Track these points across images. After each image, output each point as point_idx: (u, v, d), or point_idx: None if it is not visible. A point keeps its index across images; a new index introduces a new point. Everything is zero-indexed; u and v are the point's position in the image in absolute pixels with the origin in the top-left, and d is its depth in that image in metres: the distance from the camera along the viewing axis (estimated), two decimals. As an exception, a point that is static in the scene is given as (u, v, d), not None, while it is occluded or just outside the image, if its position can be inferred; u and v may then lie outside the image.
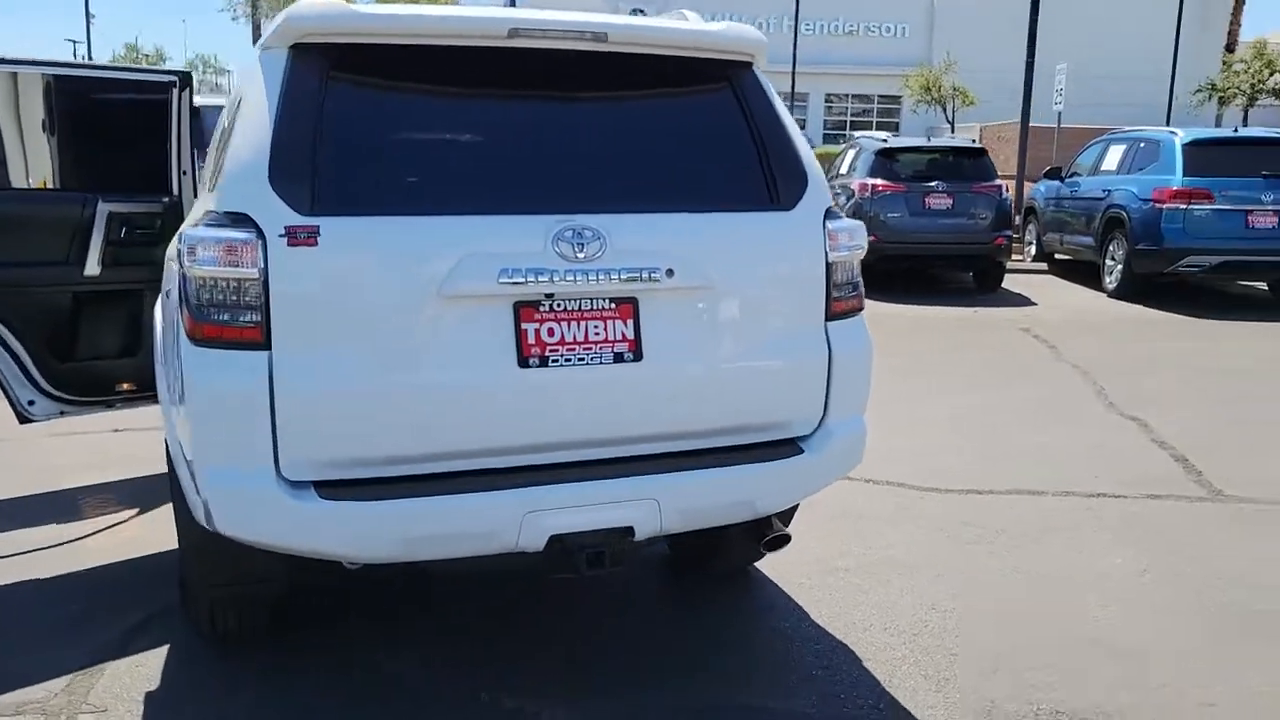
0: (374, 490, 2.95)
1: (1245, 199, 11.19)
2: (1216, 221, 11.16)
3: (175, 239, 3.15)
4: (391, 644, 3.74)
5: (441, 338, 2.99)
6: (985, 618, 3.98)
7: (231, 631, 3.63)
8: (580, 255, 3.02)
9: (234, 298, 2.88)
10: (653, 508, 3.11)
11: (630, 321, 3.12)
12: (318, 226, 2.88)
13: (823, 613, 3.99)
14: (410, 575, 4.07)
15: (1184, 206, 11.17)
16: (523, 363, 3.03)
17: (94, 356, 4.57)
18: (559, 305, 3.06)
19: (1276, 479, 5.62)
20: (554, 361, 3.05)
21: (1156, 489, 5.46)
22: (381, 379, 2.95)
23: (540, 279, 2.99)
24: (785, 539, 3.47)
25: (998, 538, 4.77)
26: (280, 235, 2.87)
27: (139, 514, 5.01)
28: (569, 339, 3.07)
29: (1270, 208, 11.17)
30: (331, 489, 2.94)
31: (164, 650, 3.72)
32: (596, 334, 3.09)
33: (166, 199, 4.66)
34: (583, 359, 3.07)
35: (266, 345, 2.89)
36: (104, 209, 4.44)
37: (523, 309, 3.04)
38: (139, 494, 5.23)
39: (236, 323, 2.88)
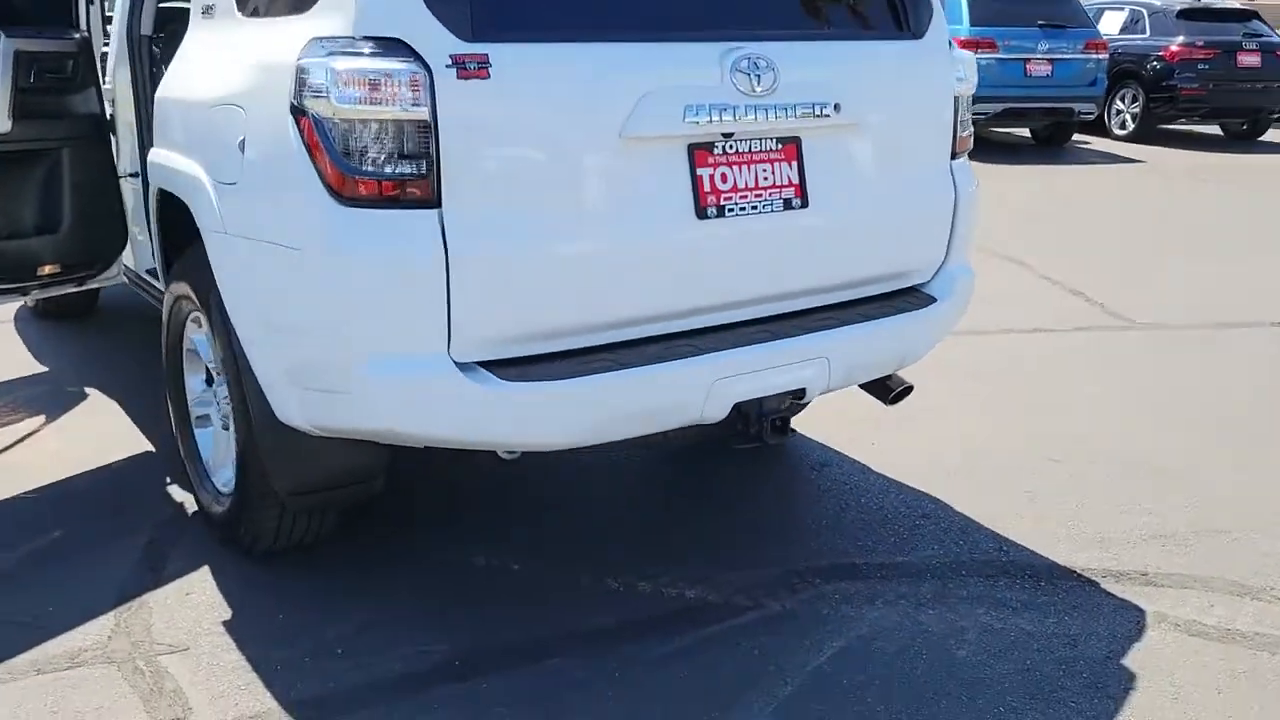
0: (555, 368, 2.56)
1: (1024, 48, 11.81)
2: (1000, 70, 11.70)
3: (247, 71, 2.59)
4: (477, 541, 3.36)
5: (619, 189, 2.60)
6: (1031, 445, 4.05)
7: (295, 544, 3.14)
8: (757, 89, 2.69)
9: (395, 144, 2.37)
10: (823, 366, 2.89)
11: (795, 164, 2.84)
12: (487, 55, 2.40)
13: (883, 464, 3.92)
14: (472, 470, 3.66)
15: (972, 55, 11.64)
16: (700, 213, 2.69)
17: (8, 235, 3.73)
18: (732, 147, 2.72)
19: (1168, 305, 6.05)
20: (730, 211, 2.73)
21: (1081, 322, 5.74)
22: (558, 238, 2.54)
23: (723, 116, 2.64)
24: (910, 389, 3.35)
25: (998, 377, 4.87)
26: (447, 66, 2.36)
27: (47, 422, 4.25)
28: (741, 185, 2.75)
29: (1045, 56, 11.86)
30: (508, 370, 2.52)
31: (205, 574, 3.17)
32: (765, 179, 2.79)
33: (77, 35, 3.80)
34: (755, 207, 2.77)
35: (436, 202, 2.40)
36: (9, 47, 3.56)
37: (697, 152, 2.68)
38: (34, 399, 4.44)
39: (401, 175, 2.37)
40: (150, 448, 4.02)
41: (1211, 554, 3.32)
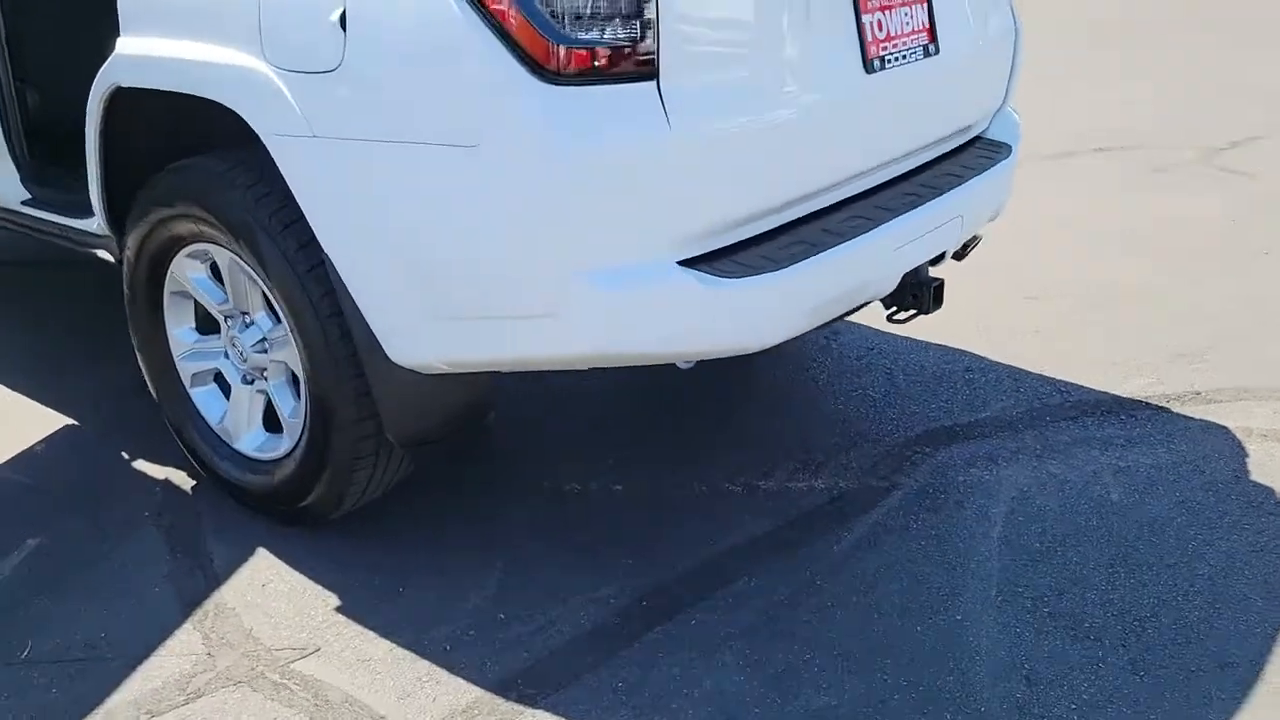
0: (756, 257, 2.25)
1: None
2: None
3: None
4: (558, 469, 2.98)
5: (801, 48, 2.28)
6: (999, 287, 4.07)
7: (367, 500, 2.66)
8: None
9: (607, 5, 1.93)
10: (958, 225, 2.73)
11: (925, 6, 2.61)
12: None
13: (933, 334, 3.75)
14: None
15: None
16: (868, 67, 2.42)
17: None
18: (882, -10, 2.45)
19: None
20: (889, 62, 2.48)
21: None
22: (761, 106, 2.21)
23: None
24: (978, 238, 3.24)
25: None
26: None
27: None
28: (893, 33, 2.50)
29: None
30: (716, 265, 2.18)
31: (265, 557, 2.64)
32: (907, 24, 2.55)
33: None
34: (905, 56, 2.53)
35: (654, 72, 2.00)
36: None
37: (859, -2, 2.40)
38: None
39: (618, 40, 1.95)
40: (70, 421, 3.29)
41: (1243, 363, 3.48)
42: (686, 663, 2.28)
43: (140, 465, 3.04)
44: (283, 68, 2.18)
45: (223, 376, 2.81)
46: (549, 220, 2.02)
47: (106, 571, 2.61)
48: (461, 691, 2.22)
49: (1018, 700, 2.17)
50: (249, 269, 2.49)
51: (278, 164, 2.25)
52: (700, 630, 2.37)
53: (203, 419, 2.81)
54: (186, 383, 2.82)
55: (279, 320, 2.56)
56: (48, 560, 2.66)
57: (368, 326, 2.30)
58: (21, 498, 2.93)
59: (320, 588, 2.54)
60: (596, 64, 1.94)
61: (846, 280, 2.38)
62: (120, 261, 2.88)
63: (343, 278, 2.27)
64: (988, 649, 2.30)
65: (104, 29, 2.58)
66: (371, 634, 2.39)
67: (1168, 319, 3.83)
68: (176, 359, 2.81)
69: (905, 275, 2.60)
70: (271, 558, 2.64)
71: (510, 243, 2.06)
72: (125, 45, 2.48)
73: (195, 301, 2.77)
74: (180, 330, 2.80)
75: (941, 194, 2.63)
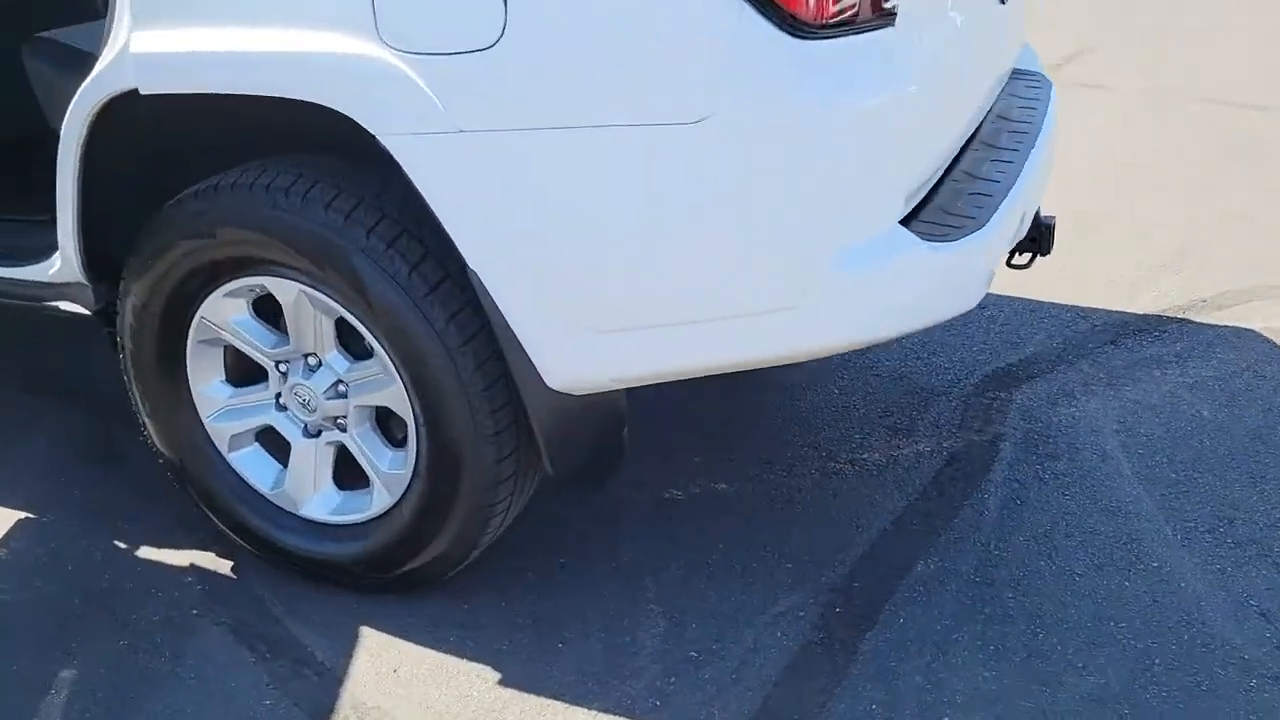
0: (948, 214, 2.05)
1: None
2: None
3: None
4: (641, 476, 2.68)
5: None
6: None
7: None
8: None
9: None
10: (1051, 154, 2.62)
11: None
12: None
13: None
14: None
15: None
16: (999, -2, 2.25)
17: None
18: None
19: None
20: (1005, -6, 2.32)
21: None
22: (947, 46, 2.00)
23: None
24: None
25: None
26: None
27: None
28: (1002, -43, 2.33)
29: None
30: (922, 228, 1.97)
31: (374, 636, 2.25)
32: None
33: None
34: (1004, -15, 2.37)
35: (893, 19, 1.75)
36: None
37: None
38: None
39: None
40: (27, 507, 2.69)
41: (1224, 268, 3.56)
42: (926, 669, 2.09)
43: (148, 553, 2.52)
44: (412, 51, 1.77)
45: (266, 433, 2.34)
46: (800, 197, 1.74)
47: (187, 693, 2.13)
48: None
49: (1271, 639, 2.10)
50: (330, 300, 2.06)
51: (406, 169, 1.84)
52: (915, 628, 2.18)
53: (249, 487, 2.34)
54: (223, 447, 2.34)
55: (361, 357, 2.15)
56: (99, 694, 2.14)
57: (523, 350, 1.94)
58: (13, 619, 2.36)
59: (464, 661, 2.17)
60: (850, 12, 1.67)
61: (1018, 227, 2.22)
62: (105, 313, 2.35)
63: (493, 296, 1.90)
64: (1205, 593, 2.23)
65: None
66: (559, 703, 2.06)
67: (1127, 235, 3.88)
68: (207, 421, 2.32)
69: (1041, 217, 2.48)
70: (381, 635, 2.24)
71: (746, 230, 1.76)
72: (141, 41, 1.97)
73: (225, 349, 2.29)
74: (208, 386, 2.31)
75: (1038, 125, 2.50)
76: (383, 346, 2.05)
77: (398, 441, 2.23)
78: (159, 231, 2.15)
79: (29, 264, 2.41)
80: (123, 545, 2.55)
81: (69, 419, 2.98)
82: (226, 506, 2.36)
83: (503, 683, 2.11)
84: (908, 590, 2.28)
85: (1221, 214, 3.92)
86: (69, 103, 2.15)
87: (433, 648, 2.21)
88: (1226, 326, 3.23)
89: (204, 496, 2.38)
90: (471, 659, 2.17)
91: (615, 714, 2.02)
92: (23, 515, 2.66)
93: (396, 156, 1.83)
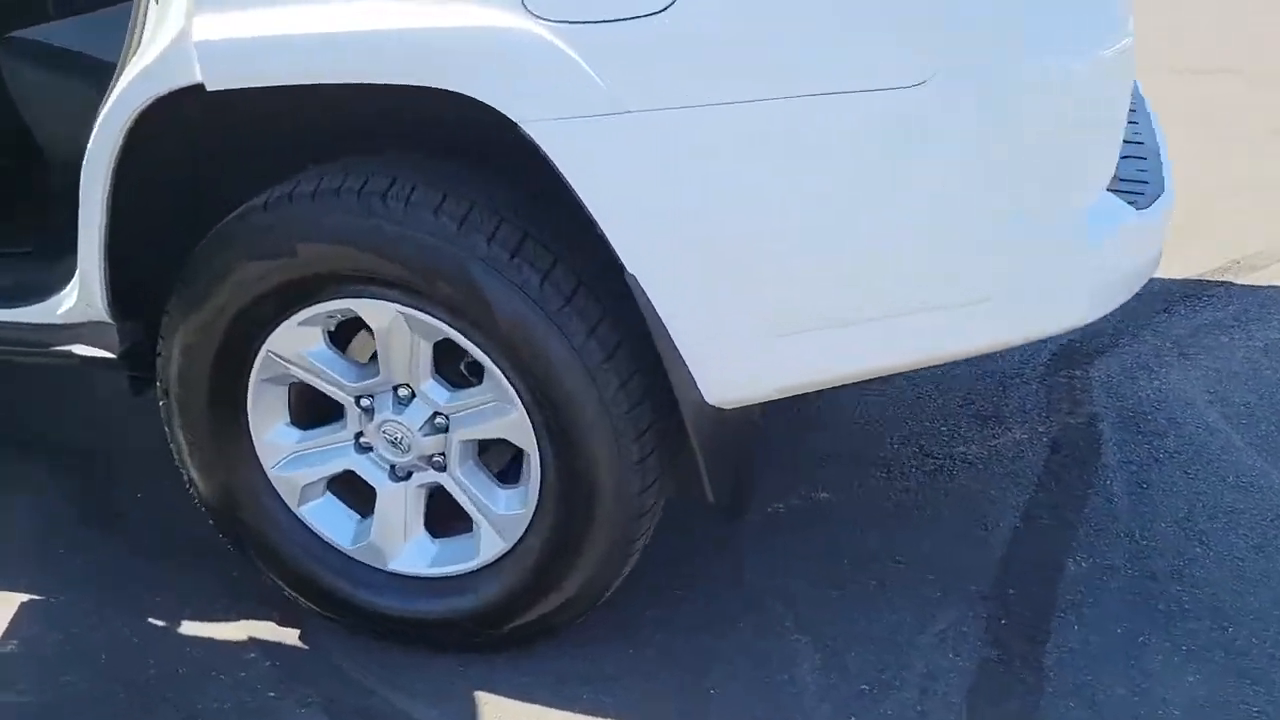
0: (1120, 179, 1.87)
1: None
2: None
3: None
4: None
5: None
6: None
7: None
8: None
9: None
10: None
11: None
12: None
13: None
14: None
15: None
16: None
17: None
18: None
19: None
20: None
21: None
22: None
23: None
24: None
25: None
26: None
27: None
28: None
29: None
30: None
31: (502, 706, 1.96)
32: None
33: None
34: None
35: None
36: None
37: None
38: None
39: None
40: (30, 588, 2.31)
41: (1234, 231, 3.48)
42: (1125, 679, 1.91)
43: (192, 629, 2.18)
44: (566, 20, 1.50)
45: (339, 481, 2.03)
46: (1032, 164, 1.54)
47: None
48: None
49: None
50: (435, 321, 1.77)
51: (555, 161, 1.56)
52: (1094, 635, 2.00)
53: (324, 543, 2.03)
54: (291, 499, 2.01)
55: (462, 385, 1.87)
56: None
57: (683, 363, 1.69)
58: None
59: (607, 720, 1.90)
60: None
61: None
62: (130, 355, 2.01)
63: (654, 302, 1.64)
64: None
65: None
66: None
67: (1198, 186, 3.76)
68: (272, 470, 2.00)
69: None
70: (503, 701, 1.96)
71: (966, 206, 1.55)
72: (208, 27, 1.64)
73: (290, 388, 1.97)
74: (273, 432, 1.98)
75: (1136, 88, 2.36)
76: (501, 369, 1.77)
77: (502, 477, 1.96)
78: (218, 253, 1.82)
79: (26, 304, 2.06)
80: (158, 622, 2.20)
81: (46, 475, 2.60)
82: (295, 567, 2.04)
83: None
84: (1068, 593, 2.10)
85: (1221, 180, 3.87)
86: (62, 109, 1.82)
87: (564, 708, 1.94)
88: (1272, 286, 3.16)
89: (266, 557, 2.06)
90: (614, 718, 1.91)
91: (803, 766, 1.79)
92: (24, 597, 2.28)
93: (544, 146, 1.56)
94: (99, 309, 1.97)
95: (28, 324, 2.06)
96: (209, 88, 1.66)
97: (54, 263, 2.08)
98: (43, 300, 2.05)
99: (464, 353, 1.83)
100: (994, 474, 2.45)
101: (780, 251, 1.59)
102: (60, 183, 2.32)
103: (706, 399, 1.72)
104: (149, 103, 1.72)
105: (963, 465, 2.49)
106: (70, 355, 2.08)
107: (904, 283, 1.61)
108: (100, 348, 2.04)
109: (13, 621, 2.21)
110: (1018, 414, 2.65)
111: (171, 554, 2.35)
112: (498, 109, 1.55)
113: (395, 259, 1.72)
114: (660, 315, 1.64)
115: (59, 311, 2.03)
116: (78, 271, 1.97)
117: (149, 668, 2.08)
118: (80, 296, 1.98)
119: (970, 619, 2.06)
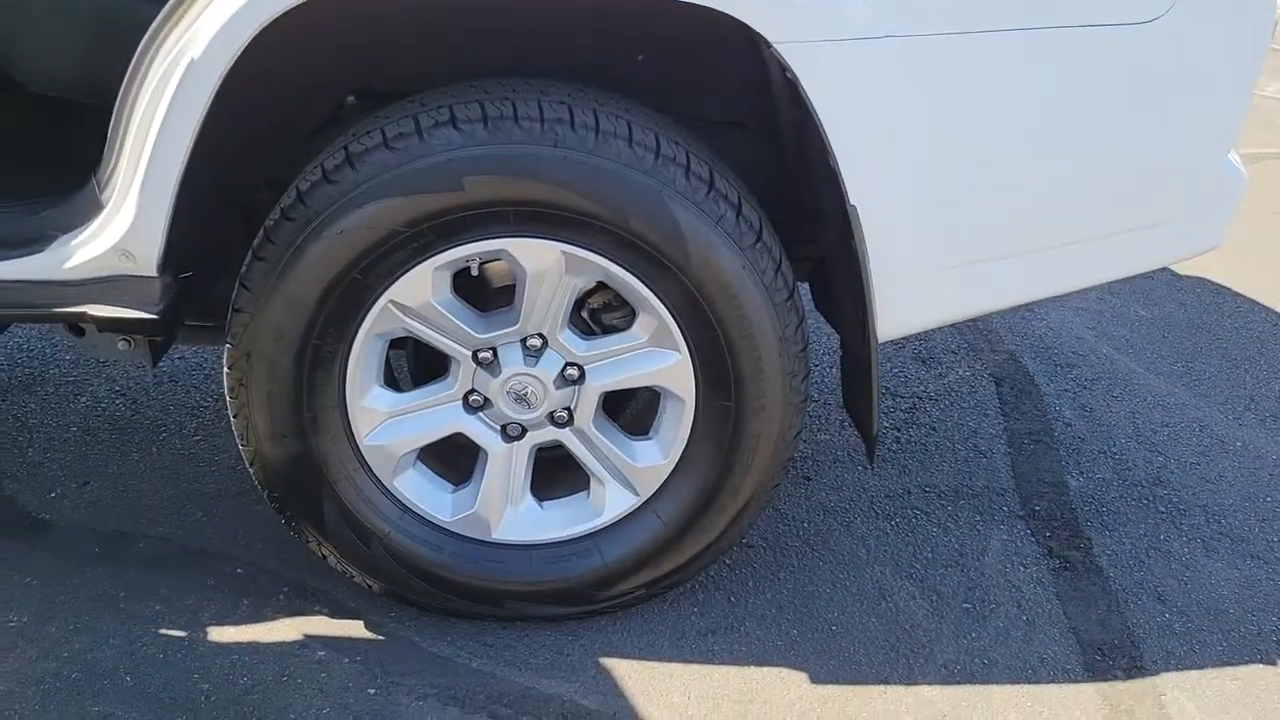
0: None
1: None
2: None
3: None
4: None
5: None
6: None
7: None
8: None
9: None
10: None
11: None
12: None
13: None
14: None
15: None
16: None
17: None
18: None
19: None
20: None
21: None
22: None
23: None
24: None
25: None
26: None
27: None
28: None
29: None
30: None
31: (663, 671, 1.88)
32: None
33: None
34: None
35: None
36: None
37: None
38: None
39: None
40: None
41: None
42: (1171, 572, 2.13)
43: (225, 635, 1.89)
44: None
45: (427, 451, 1.84)
46: (1237, 95, 1.68)
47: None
48: None
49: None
50: (604, 261, 1.65)
51: (805, 86, 1.51)
52: (1126, 539, 2.21)
53: (421, 519, 1.83)
54: (384, 471, 1.79)
55: (603, 331, 1.77)
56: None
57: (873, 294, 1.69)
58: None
59: (751, 667, 1.87)
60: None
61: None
62: (170, 319, 1.72)
63: (868, 234, 1.63)
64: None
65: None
66: (891, 688, 1.84)
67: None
68: (366, 441, 1.77)
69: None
70: (634, 664, 1.87)
71: (1178, 135, 1.69)
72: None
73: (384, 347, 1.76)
74: (369, 396, 1.75)
75: None
76: (671, 310, 1.69)
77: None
78: (352, 187, 1.58)
79: (23, 254, 1.69)
80: (178, 634, 1.89)
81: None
82: (387, 550, 1.82)
83: (814, 679, 1.85)
84: (1084, 506, 2.31)
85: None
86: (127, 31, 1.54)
87: (699, 661, 1.88)
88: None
89: (348, 549, 1.83)
90: (758, 664, 1.88)
91: (953, 681, 1.86)
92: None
93: (795, 68, 1.50)
94: (145, 259, 1.65)
95: (37, 281, 1.68)
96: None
97: (51, 208, 1.71)
98: (42, 250, 1.68)
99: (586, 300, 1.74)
100: (962, 407, 2.63)
101: (1006, 183, 1.64)
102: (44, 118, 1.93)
103: (879, 331, 1.74)
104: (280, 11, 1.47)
105: (931, 401, 2.65)
106: (82, 318, 1.72)
107: (1114, 206, 1.71)
108: (131, 309, 1.70)
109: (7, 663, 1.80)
110: (949, 355, 2.85)
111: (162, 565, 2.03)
112: (754, 28, 1.48)
113: (584, 192, 1.58)
114: (868, 248, 1.64)
115: (66, 265, 1.68)
116: (107, 216, 1.64)
117: (197, 683, 1.77)
118: (113, 244, 1.65)
119: (1020, 537, 2.21)
